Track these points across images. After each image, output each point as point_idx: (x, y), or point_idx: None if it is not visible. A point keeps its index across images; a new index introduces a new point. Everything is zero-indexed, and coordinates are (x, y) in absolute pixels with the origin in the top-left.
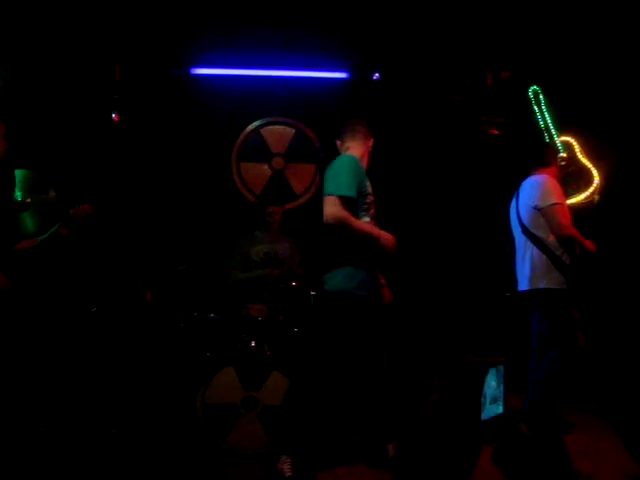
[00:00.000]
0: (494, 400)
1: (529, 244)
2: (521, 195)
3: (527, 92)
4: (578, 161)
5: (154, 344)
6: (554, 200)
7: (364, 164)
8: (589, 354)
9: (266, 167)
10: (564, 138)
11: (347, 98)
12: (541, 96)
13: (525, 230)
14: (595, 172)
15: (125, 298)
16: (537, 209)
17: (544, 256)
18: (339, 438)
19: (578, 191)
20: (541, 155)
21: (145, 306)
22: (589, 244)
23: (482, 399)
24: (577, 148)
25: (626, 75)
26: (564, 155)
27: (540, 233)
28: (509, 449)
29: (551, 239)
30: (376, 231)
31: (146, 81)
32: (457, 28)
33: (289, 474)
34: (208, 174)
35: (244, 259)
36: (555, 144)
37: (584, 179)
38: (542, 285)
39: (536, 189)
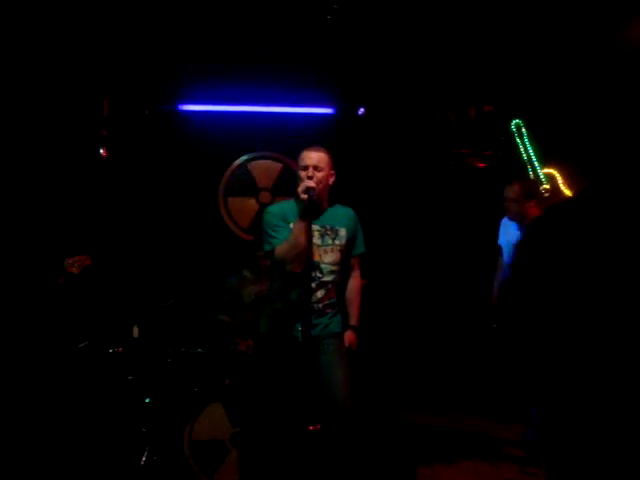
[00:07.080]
0: None
1: None
2: None
3: (510, 125)
4: (561, 193)
5: (141, 380)
6: None
7: None
8: None
9: (253, 201)
10: (547, 170)
11: (333, 133)
12: (524, 129)
13: None
14: None
15: (114, 334)
16: None
17: None
18: None
19: None
20: None
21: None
22: None
23: None
24: (560, 180)
25: (608, 107)
26: (546, 187)
27: None
28: None
29: None
30: None
31: (134, 117)
32: (440, 63)
33: None
34: (196, 209)
35: (235, 300)
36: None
37: None
38: None
39: None
